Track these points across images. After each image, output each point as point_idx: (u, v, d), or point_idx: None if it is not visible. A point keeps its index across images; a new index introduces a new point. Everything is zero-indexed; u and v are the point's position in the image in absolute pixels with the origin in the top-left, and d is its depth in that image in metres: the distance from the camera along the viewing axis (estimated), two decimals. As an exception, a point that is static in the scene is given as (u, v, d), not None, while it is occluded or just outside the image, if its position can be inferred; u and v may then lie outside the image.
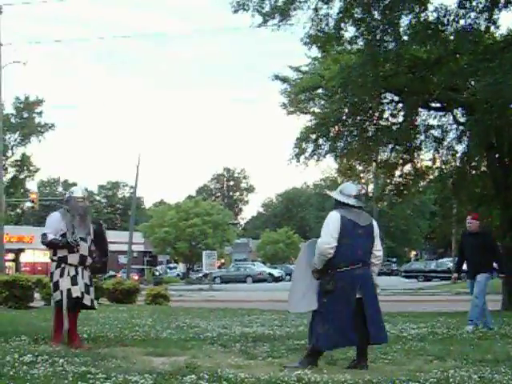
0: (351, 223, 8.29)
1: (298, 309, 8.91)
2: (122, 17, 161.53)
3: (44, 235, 10.18)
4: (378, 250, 8.53)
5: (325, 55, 23.41)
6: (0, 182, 31.09)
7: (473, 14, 19.83)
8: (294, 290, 8.77)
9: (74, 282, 10.04)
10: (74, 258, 10.10)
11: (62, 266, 10.10)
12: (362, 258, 8.29)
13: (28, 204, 76.42)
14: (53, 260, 10.28)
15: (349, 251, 8.17)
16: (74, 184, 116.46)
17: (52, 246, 10.17)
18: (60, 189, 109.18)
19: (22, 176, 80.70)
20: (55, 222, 10.25)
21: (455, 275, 14.81)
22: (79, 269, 10.13)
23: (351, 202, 8.48)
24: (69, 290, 9.98)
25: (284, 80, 26.66)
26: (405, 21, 20.15)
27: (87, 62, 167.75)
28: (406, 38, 20.55)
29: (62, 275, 10.07)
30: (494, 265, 13.93)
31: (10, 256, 58.16)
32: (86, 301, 10.17)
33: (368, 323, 8.17)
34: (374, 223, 8.62)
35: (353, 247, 8.21)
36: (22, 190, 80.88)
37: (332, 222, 8.27)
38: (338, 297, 8.13)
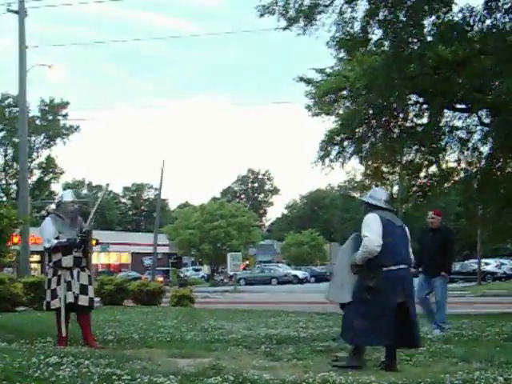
0: (390, 223, 8.45)
1: (332, 297, 8.99)
2: (139, 19, 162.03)
3: (48, 241, 10.29)
4: (411, 252, 8.73)
5: (349, 57, 23.32)
6: (26, 185, 31.22)
7: (498, 15, 19.75)
8: (334, 279, 8.96)
9: (68, 287, 10.17)
10: (68, 261, 10.21)
11: (59, 273, 10.22)
12: (405, 257, 8.48)
13: (53, 206, 76.62)
14: (49, 266, 10.44)
15: (394, 249, 8.30)
16: (99, 186, 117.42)
17: (59, 248, 10.24)
18: (85, 191, 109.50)
19: (47, 178, 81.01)
20: (50, 227, 10.44)
21: (414, 270, 14.65)
22: (74, 272, 10.22)
23: (382, 204, 8.66)
24: (65, 297, 10.14)
25: (308, 82, 26.54)
26: (429, 21, 20.13)
27: (110, 63, 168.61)
28: (430, 38, 20.49)
29: (59, 283, 10.21)
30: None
31: (36, 258, 58.37)
32: (83, 301, 10.25)
33: (412, 328, 8.45)
34: (405, 226, 8.81)
35: (396, 245, 8.36)
36: (47, 193, 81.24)
37: (374, 221, 8.38)
38: (381, 296, 8.18)
